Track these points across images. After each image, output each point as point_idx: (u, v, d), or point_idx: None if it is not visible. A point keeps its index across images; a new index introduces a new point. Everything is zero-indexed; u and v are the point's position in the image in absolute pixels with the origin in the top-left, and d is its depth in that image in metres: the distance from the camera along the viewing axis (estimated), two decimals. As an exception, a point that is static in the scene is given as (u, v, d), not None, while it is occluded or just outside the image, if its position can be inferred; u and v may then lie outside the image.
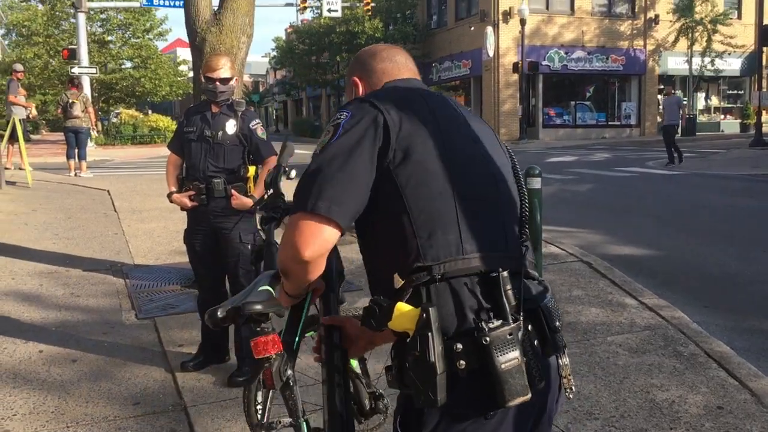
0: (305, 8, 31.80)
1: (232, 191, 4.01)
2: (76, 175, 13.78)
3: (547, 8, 30.31)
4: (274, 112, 64.03)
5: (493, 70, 29.66)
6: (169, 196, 4.17)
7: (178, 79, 38.95)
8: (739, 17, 32.88)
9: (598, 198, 11.99)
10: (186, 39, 6.31)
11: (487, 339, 1.47)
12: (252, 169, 4.13)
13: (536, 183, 5.05)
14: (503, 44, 29.42)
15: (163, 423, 3.51)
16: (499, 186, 1.73)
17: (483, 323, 1.50)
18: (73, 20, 28.06)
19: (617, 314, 5.00)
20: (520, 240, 1.71)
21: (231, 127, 4.05)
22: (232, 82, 4.12)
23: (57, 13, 34.73)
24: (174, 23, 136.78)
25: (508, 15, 29.43)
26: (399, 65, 1.90)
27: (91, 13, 32.34)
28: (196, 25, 5.91)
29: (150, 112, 37.09)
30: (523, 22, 27.74)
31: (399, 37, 34.14)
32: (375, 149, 1.62)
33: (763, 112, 23.34)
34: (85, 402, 3.71)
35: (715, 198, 11.73)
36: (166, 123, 28.26)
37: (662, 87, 32.86)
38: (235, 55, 5.86)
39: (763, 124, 23.63)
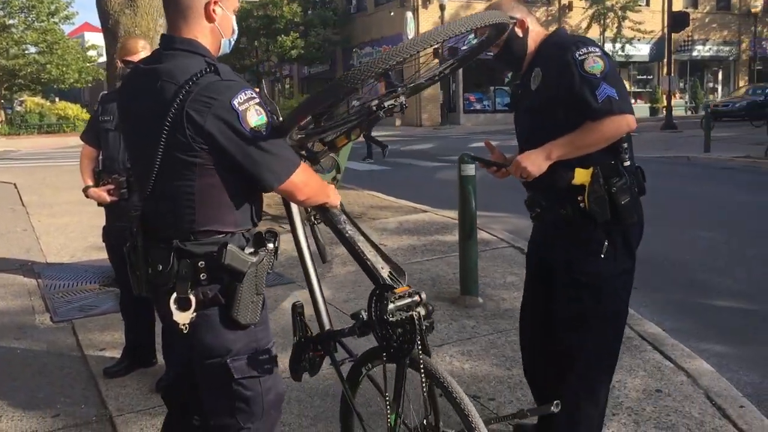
0: (222, -8, 30.94)
1: (155, 184, 3.75)
2: (-22, 167, 12.97)
3: (466, -7, 30.59)
4: (191, 98, 62.33)
5: (413, 56, 29.69)
6: (86, 190, 3.86)
7: (87, 65, 37.25)
8: (648, 4, 34.15)
9: (521, 182, 12.13)
10: (94, 23, 5.93)
11: None
12: (176, 160, 3.89)
13: (470, 170, 4.97)
14: (423, 29, 29.42)
15: (86, 436, 3.26)
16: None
17: None
18: (-30, 2, 26.38)
19: (551, 299, 5.00)
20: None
21: (151, 114, 3.79)
22: (151, 67, 3.86)
23: (-48, -6, 32.63)
24: (81, 6, 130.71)
25: (427, 0, 29.51)
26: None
27: (-10, -6, 30.55)
28: (108, 6, 5.56)
29: (57, 99, 35.37)
30: (442, 7, 28.06)
31: (318, 21, 33.73)
32: None
33: (673, 96, 24.28)
34: (-2, 417, 3.41)
35: (633, 180, 12.05)
36: (76, 111, 27.14)
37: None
38: (152, 38, 5.54)
39: (673, 108, 24.61)
